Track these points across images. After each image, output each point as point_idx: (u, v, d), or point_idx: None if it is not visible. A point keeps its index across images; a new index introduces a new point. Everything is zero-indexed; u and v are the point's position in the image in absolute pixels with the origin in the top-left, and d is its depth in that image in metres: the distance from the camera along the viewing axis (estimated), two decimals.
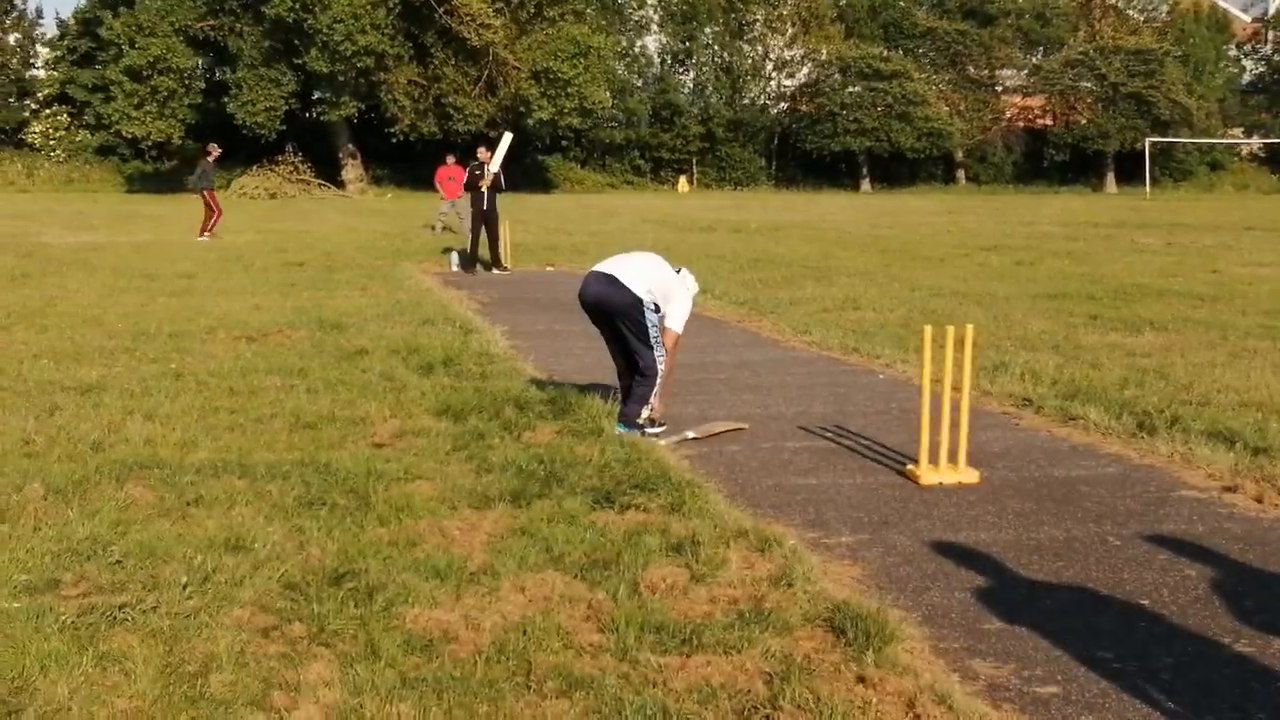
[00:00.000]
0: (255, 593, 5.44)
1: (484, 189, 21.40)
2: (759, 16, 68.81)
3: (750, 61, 69.39)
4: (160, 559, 5.84)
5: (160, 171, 57.49)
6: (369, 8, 50.69)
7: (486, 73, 54.91)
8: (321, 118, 55.05)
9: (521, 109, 54.63)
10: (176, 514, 6.59)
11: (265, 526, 6.34)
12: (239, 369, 10.94)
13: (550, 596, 5.43)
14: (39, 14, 64.85)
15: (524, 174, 53.05)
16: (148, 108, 52.49)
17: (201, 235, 27.54)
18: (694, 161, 66.70)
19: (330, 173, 55.84)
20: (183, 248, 24.80)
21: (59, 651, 4.76)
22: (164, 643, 4.91)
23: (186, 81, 53.37)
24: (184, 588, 5.46)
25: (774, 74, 70.56)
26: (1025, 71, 72.87)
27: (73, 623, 5.06)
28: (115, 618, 5.13)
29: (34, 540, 6.07)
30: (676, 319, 8.82)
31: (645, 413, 8.66)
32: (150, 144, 54.73)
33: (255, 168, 54.21)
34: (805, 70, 70.03)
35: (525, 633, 5.03)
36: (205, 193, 28.26)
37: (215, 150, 29.67)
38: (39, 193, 52.97)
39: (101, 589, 5.47)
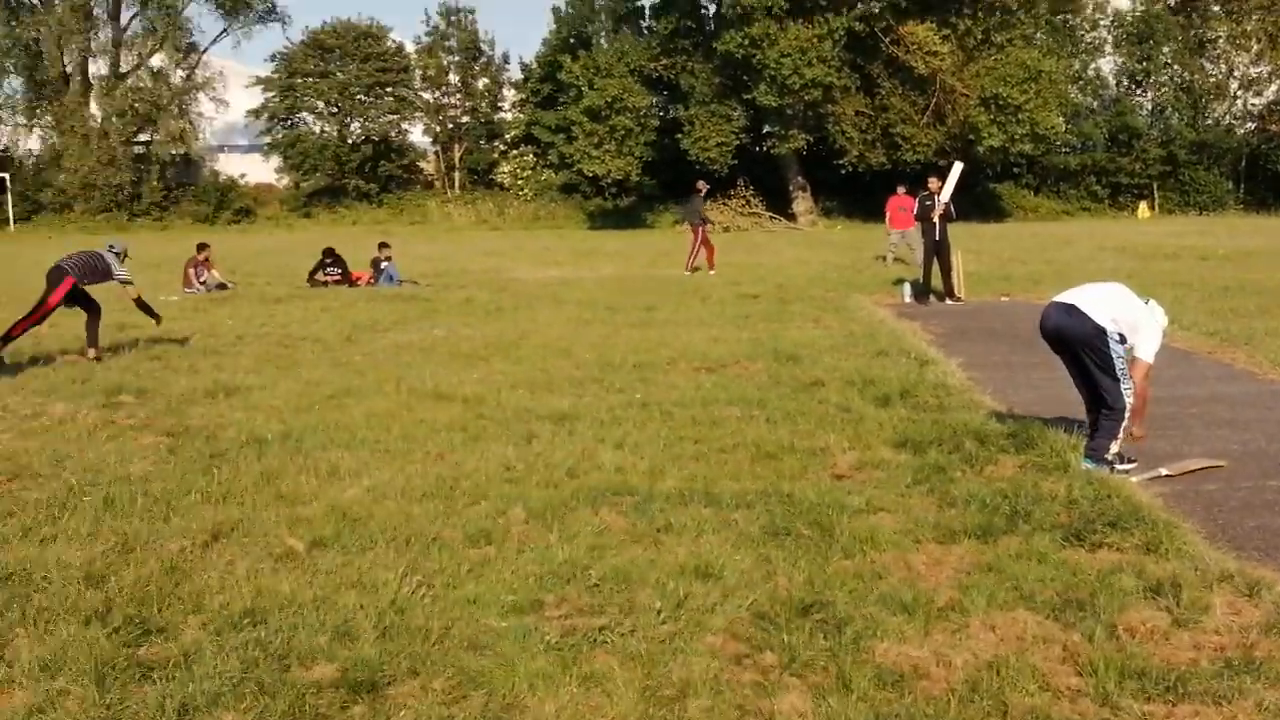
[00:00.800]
0: (726, 620, 5.57)
1: (935, 219, 21.24)
2: (1221, 33, 65.48)
3: (1213, 80, 66.12)
4: (635, 584, 6.05)
5: (619, 208, 59.69)
6: (815, 41, 51.08)
7: (934, 101, 54.41)
8: (771, 151, 55.82)
9: (970, 136, 53.80)
10: (648, 540, 6.82)
11: (733, 555, 6.48)
12: (700, 399, 11.21)
13: (1023, 636, 5.32)
14: (505, 59, 68.40)
15: (975, 202, 52.21)
16: (606, 146, 54.56)
17: (692, 270, 28.29)
18: (1154, 186, 63.98)
19: (781, 205, 56.53)
20: (643, 280, 25.63)
21: (545, 670, 5.01)
22: (642, 666, 5.08)
23: (642, 120, 55.16)
24: (658, 613, 5.64)
25: (1240, 92, 67.00)
26: None
27: (556, 643, 5.31)
28: (595, 640, 5.35)
29: (518, 562, 6.41)
30: (1146, 349, 8.48)
31: (1114, 447, 8.36)
32: (610, 181, 56.89)
33: (708, 202, 55.50)
34: (1275, 87, 66.15)
35: (999, 672, 4.94)
36: (697, 226, 29.12)
37: (703, 186, 30.69)
38: (509, 230, 55.91)
39: (581, 611, 5.72)
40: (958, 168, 22.18)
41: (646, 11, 59.55)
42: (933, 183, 21.85)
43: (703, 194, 30.34)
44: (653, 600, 5.81)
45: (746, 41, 50.59)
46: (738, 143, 54.49)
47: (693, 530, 6.96)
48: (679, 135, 54.71)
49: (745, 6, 49.91)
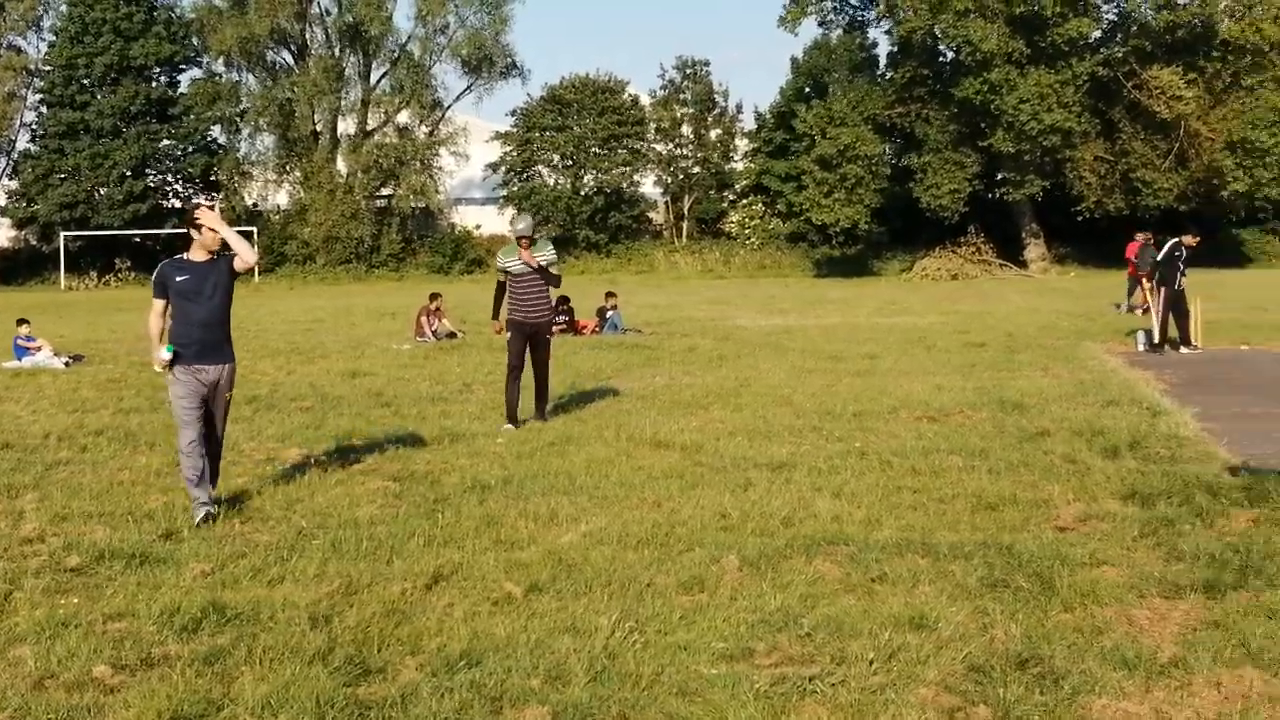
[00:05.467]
0: (939, 672, 5.49)
1: (1180, 270, 20.71)
2: None
3: None
4: (847, 634, 6.01)
5: (846, 255, 59.45)
6: (1056, 86, 50.30)
7: (1177, 145, 52.97)
8: (1005, 198, 55.00)
9: (1215, 181, 52.23)
10: (862, 590, 6.76)
11: (948, 606, 6.38)
12: (921, 448, 11.09)
13: (1248, 694, 5.14)
14: (739, 109, 68.90)
15: (1216, 249, 50.53)
16: (836, 195, 54.45)
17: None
18: None
19: (1012, 252, 55.61)
20: (867, 329, 25.46)
21: (754, 718, 5.00)
22: (851, 717, 5.05)
23: (873, 168, 54.92)
24: (870, 663, 5.59)
25: None
26: None
27: (766, 691, 5.30)
28: (805, 689, 5.33)
29: (730, 610, 6.42)
30: None
31: None
32: (837, 230, 56.71)
33: (938, 249, 54.89)
34: None
35: None
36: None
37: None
38: (734, 279, 56.14)
39: (792, 660, 5.70)
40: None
41: (883, 60, 59.40)
42: (1188, 239, 21.31)
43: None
44: (865, 650, 5.76)
45: (985, 88, 50.09)
46: (970, 189, 53.81)
47: (908, 581, 6.89)
48: (910, 183, 54.30)
49: (984, 53, 49.43)
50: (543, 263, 13.30)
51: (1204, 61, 52.42)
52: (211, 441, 9.07)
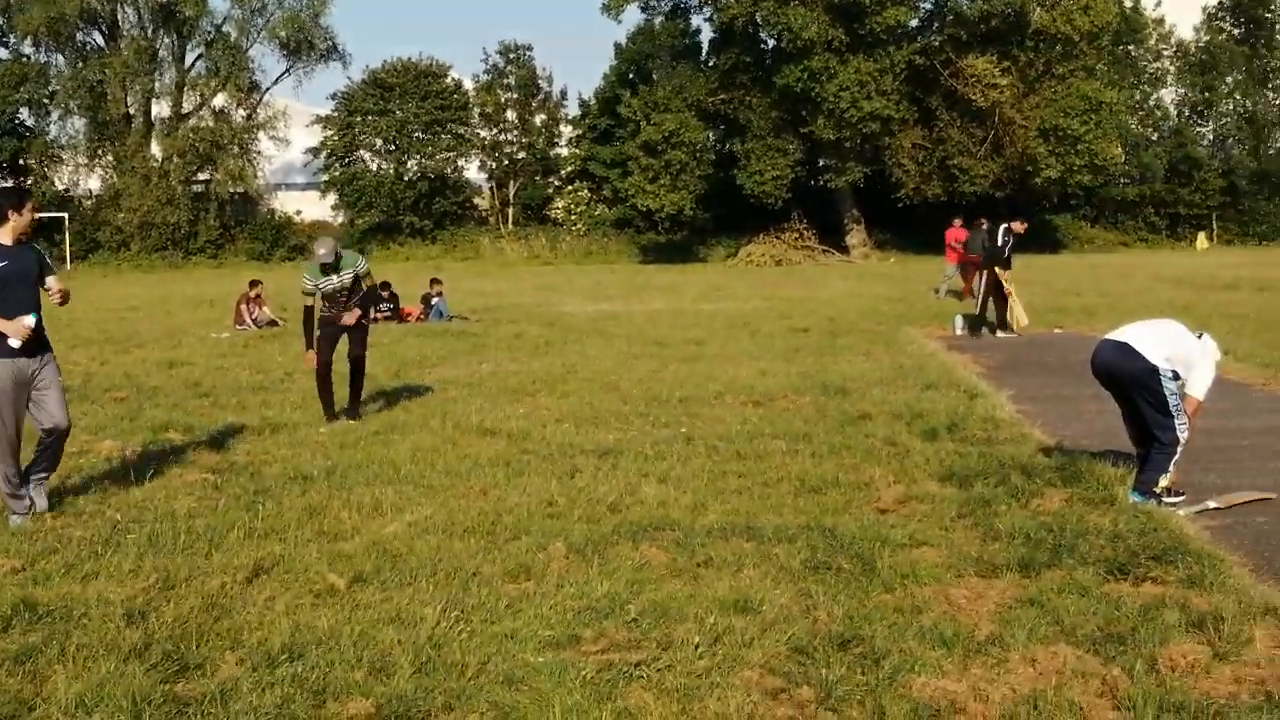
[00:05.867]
0: (764, 655, 5.53)
1: (1005, 257, 21.24)
2: None
3: (1276, 109, 65.53)
4: (673, 618, 6.03)
5: (673, 242, 59.77)
6: (875, 74, 51.17)
7: (993, 133, 54.29)
8: (827, 184, 55.78)
9: (1028, 168, 53.65)
10: (688, 575, 6.80)
11: (773, 589, 6.45)
12: (746, 433, 11.20)
13: (1062, 670, 5.26)
14: (563, 95, 68.83)
15: (1030, 234, 51.90)
16: (661, 181, 54.71)
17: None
18: (1213, 216, 63.45)
19: (834, 238, 56.42)
20: (692, 314, 25.63)
21: (580, 706, 4.99)
22: (678, 701, 5.06)
23: (698, 154, 55.27)
24: (695, 647, 5.62)
25: None
26: None
27: (592, 678, 5.29)
28: (631, 675, 5.33)
29: (557, 597, 6.40)
30: (1199, 386, 8.43)
31: (1163, 481, 8.27)
32: (663, 216, 56.98)
33: (762, 235, 55.46)
34: None
35: (1036, 707, 4.90)
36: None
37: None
38: (561, 265, 56.12)
39: (619, 646, 5.70)
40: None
41: (705, 46, 59.76)
42: (1017, 225, 21.83)
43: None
44: (691, 635, 5.78)
45: (805, 75, 50.72)
46: (793, 176, 54.45)
47: (733, 565, 6.94)
48: (734, 169, 54.77)
49: (805, 41, 50.03)
50: (357, 274, 12.88)
51: (1017, 51, 53.79)
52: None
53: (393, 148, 63.67)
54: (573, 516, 8.14)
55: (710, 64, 58.31)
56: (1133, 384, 8.37)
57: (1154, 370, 8.25)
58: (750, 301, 29.53)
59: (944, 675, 5.25)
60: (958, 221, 30.41)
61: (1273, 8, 64.83)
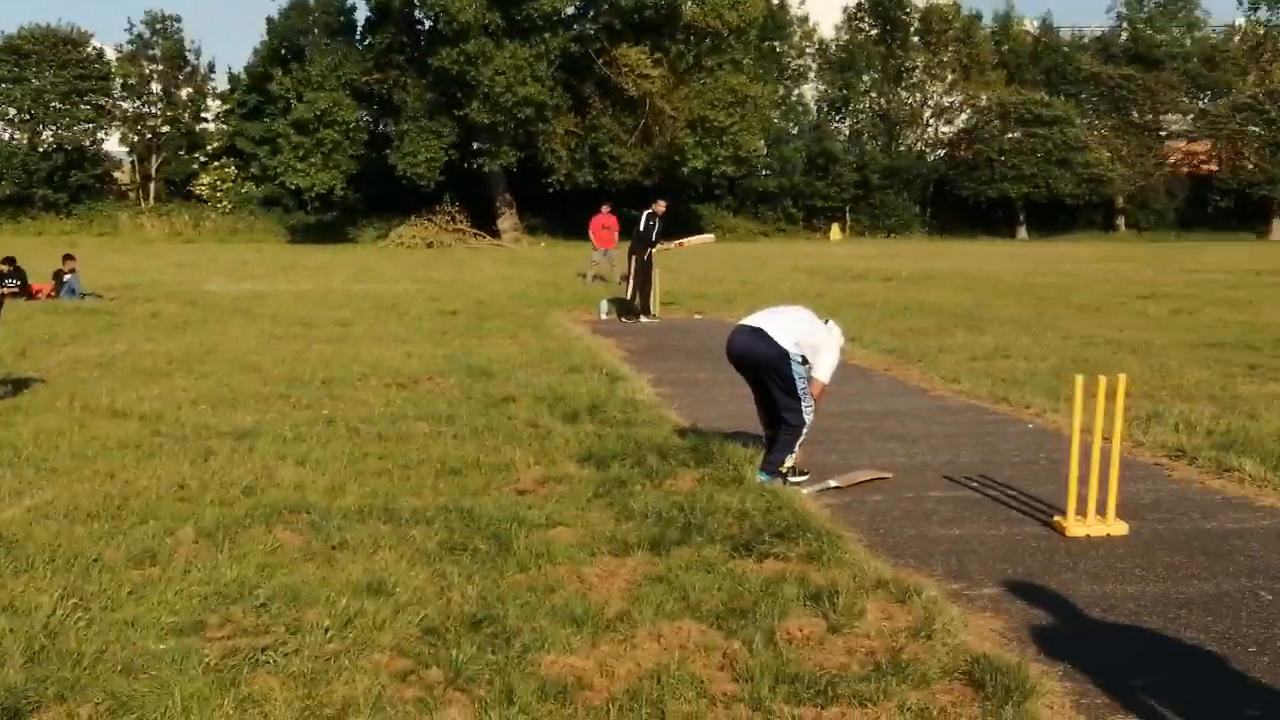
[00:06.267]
0: (395, 637, 5.51)
1: (652, 242, 21.70)
2: (919, 63, 68.41)
3: (909, 108, 68.96)
4: (304, 602, 5.94)
5: (323, 222, 58.81)
6: (531, 60, 51.49)
7: (643, 122, 55.38)
8: (480, 168, 55.88)
9: (676, 157, 54.97)
10: (322, 558, 6.71)
11: (408, 571, 6.42)
12: (389, 415, 11.12)
13: (686, 645, 5.41)
14: (211, 68, 66.82)
15: (676, 222, 53.18)
16: (312, 160, 53.80)
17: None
18: (847, 209, 66.41)
19: (486, 222, 56.59)
20: (341, 295, 25.28)
21: (202, 693, 4.86)
22: (304, 685, 4.99)
23: (350, 134, 54.54)
24: (325, 631, 5.55)
25: (932, 120, 70.07)
26: (1191, 116, 71.22)
27: (216, 665, 5.16)
28: (258, 660, 5.23)
29: (183, 583, 6.22)
30: (824, 370, 8.76)
31: (789, 461, 8.62)
32: (313, 195, 56.00)
33: (414, 218, 55.14)
34: (964, 117, 69.46)
35: (660, 681, 5.02)
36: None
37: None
38: (204, 243, 54.53)
39: (246, 631, 5.58)
40: (709, 238, 22.81)
41: (361, 24, 58.96)
42: (659, 205, 22.34)
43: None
44: (321, 618, 5.70)
45: (461, 58, 50.64)
46: (447, 159, 54.33)
47: (369, 547, 6.87)
48: (388, 150, 54.28)
49: (461, 24, 49.92)
50: None
51: (669, 42, 55.08)
52: None
53: (27, 117, 60.59)
54: (204, 500, 7.90)
55: (366, 43, 57.64)
56: (764, 368, 8.66)
57: (785, 355, 8.55)
58: (400, 283, 29.33)
59: (573, 652, 5.33)
60: (606, 208, 30.90)
61: (908, 10, 68.09)
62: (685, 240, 21.71)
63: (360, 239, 56.72)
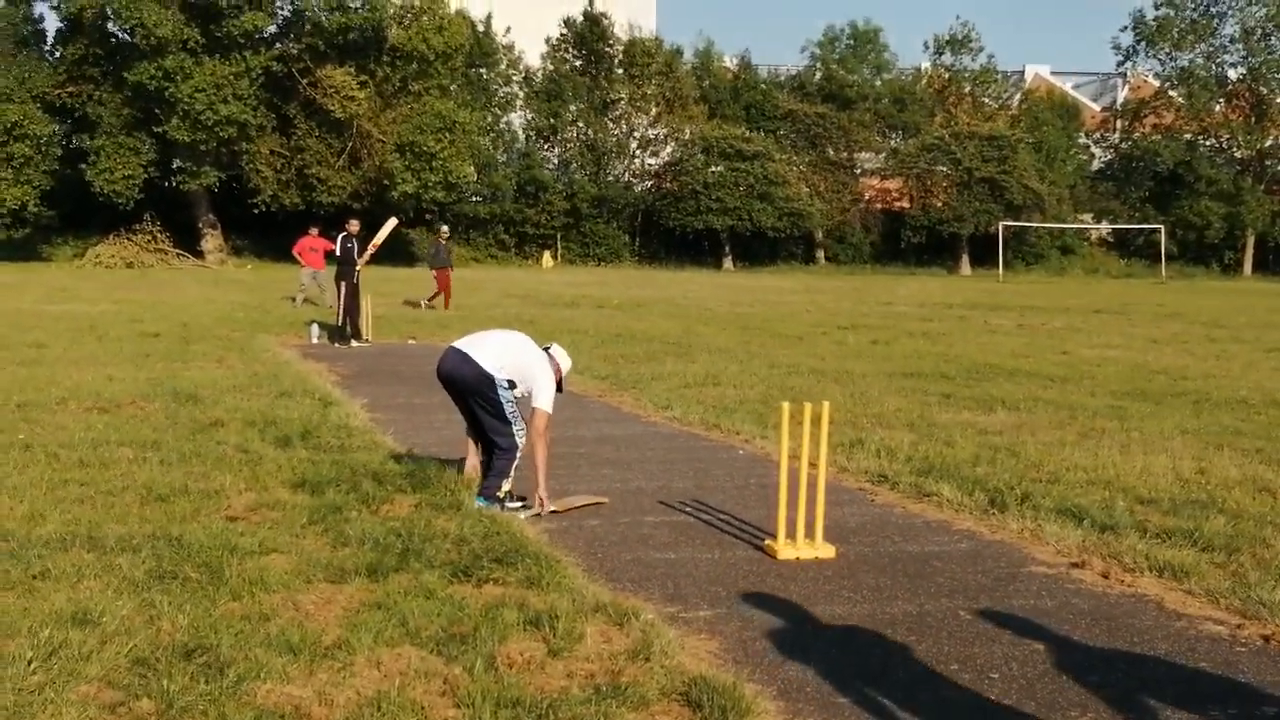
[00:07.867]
0: (103, 668, 5.33)
1: (357, 262, 21.56)
2: (623, 95, 69.39)
3: (615, 139, 69.86)
4: (4, 634, 5.69)
5: (14, 240, 56.30)
6: (232, 78, 50.51)
7: (350, 145, 54.87)
8: (181, 187, 54.37)
9: (386, 182, 54.57)
10: (22, 587, 6.43)
11: (114, 600, 6.21)
12: (90, 440, 10.72)
13: (406, 671, 5.38)
14: None
15: (387, 247, 52.76)
16: (2, 175, 51.49)
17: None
18: (558, 237, 66.89)
19: (189, 243, 55.06)
20: (34, 316, 24.26)
21: None
22: (6, 719, 4.78)
23: (43, 148, 52.40)
24: (29, 663, 5.33)
25: (638, 152, 71.11)
26: (883, 155, 74.09)
27: None
28: None
29: None
30: (542, 399, 8.61)
31: (505, 486, 8.64)
32: (4, 211, 53.56)
33: (112, 236, 53.22)
34: (669, 149, 70.68)
35: (380, 708, 4.98)
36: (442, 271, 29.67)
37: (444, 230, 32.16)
38: None
39: None
40: (391, 223, 22.62)
41: (51, 36, 56.71)
42: (352, 224, 22.18)
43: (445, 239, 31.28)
44: (23, 650, 5.46)
45: (160, 74, 49.30)
46: (146, 176, 52.71)
47: (72, 576, 6.62)
48: (84, 166, 52.34)
49: (159, 39, 48.59)
50: None
51: (375, 65, 54.75)
52: None
53: None
54: None
55: (57, 55, 55.49)
56: (470, 391, 8.64)
57: (489, 378, 8.54)
58: (99, 304, 28.30)
59: (289, 681, 5.25)
60: (314, 230, 30.51)
61: (611, 42, 69.03)
62: (375, 240, 21.57)
63: (55, 257, 54.47)
